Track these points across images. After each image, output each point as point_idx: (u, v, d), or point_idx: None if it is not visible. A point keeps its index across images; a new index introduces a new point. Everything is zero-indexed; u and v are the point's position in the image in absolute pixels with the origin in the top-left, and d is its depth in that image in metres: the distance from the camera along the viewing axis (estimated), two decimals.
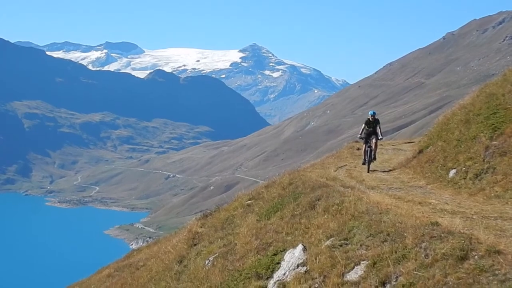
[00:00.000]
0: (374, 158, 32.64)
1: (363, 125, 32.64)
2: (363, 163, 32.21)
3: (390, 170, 32.84)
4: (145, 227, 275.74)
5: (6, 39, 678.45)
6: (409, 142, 44.69)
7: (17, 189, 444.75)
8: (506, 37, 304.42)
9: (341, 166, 35.39)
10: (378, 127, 31.36)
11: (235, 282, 21.55)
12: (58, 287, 56.34)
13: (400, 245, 16.91)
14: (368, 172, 30.51)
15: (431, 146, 33.00)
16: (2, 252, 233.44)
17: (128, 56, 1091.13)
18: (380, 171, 32.60)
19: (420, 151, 33.98)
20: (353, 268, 17.42)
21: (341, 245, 19.11)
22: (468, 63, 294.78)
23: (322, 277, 18.11)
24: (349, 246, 18.80)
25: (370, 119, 31.90)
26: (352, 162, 37.27)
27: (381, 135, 32.72)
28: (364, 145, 31.91)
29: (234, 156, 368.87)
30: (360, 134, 32.47)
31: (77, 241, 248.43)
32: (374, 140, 31.26)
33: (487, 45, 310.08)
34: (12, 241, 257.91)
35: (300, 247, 20.61)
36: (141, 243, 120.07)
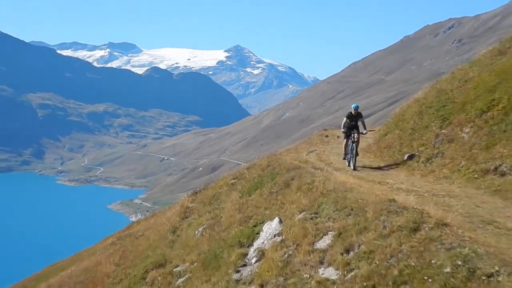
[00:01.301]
0: (357, 154, 27.76)
1: (345, 118, 28.48)
2: (344, 158, 28.29)
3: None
4: (143, 202, 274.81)
5: (22, 39, 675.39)
6: (370, 131, 44.65)
7: (32, 170, 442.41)
8: (454, 40, 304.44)
9: (312, 151, 35.37)
10: (360, 121, 27.74)
11: (220, 249, 21.64)
12: (67, 254, 55.98)
13: (362, 218, 17.04)
14: (353, 169, 26.39)
15: (389, 134, 33.07)
16: (17, 223, 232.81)
17: (128, 55, 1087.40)
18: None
19: (380, 138, 34.10)
20: (322, 238, 17.54)
21: (311, 218, 19.23)
22: (422, 62, 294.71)
23: (295, 245, 18.23)
24: (319, 219, 18.94)
25: (353, 112, 27.87)
26: (321, 147, 37.23)
27: (365, 129, 28.73)
28: (345, 140, 27.77)
29: (220, 142, 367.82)
30: (343, 128, 27.99)
31: (84, 214, 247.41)
32: (356, 135, 27.07)
33: (438, 47, 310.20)
34: (26, 214, 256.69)
35: (276, 219, 20.75)
36: (140, 216, 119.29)
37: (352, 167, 26.64)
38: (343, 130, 27.96)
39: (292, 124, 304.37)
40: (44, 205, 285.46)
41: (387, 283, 13.62)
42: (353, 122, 27.59)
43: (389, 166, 27.50)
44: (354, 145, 26.36)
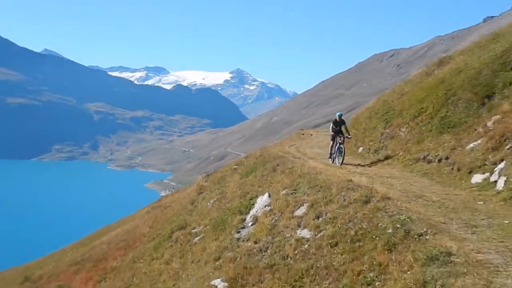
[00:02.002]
0: (343, 154, 25.01)
1: (331, 124, 26.04)
2: (329, 157, 25.64)
3: (322, 148, 32.86)
4: (170, 182, 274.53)
5: (82, 64, 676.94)
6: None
7: (89, 158, 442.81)
8: (394, 65, 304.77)
9: (292, 145, 35.34)
10: (344, 127, 25.42)
11: (226, 216, 21.63)
12: (114, 219, 55.98)
13: (328, 193, 17.01)
14: (340, 165, 23.70)
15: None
16: (78, 196, 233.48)
17: (159, 75, 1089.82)
18: (316, 148, 32.58)
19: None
20: (299, 207, 17.52)
21: (291, 193, 19.21)
22: (371, 81, 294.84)
23: (280, 213, 18.20)
24: (297, 194, 18.91)
25: (337, 119, 25.54)
26: (299, 142, 37.17)
27: (349, 134, 26.06)
28: (331, 142, 25.34)
29: (226, 138, 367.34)
30: (332, 132, 25.43)
31: (127, 190, 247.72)
32: (341, 138, 24.65)
33: (382, 70, 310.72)
34: (85, 190, 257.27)
35: (266, 194, 20.72)
36: (168, 192, 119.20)
37: (338, 164, 23.99)
38: (332, 133, 25.28)
39: (278, 125, 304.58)
40: (98, 184, 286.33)
41: (346, 241, 13.59)
42: (338, 127, 25.29)
43: (347, 156, 27.50)
44: (341, 146, 24.27)
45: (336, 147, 24.68)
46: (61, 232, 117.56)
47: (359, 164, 23.73)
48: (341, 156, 24.02)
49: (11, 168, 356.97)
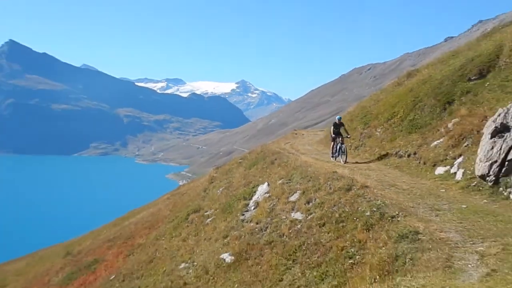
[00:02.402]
0: (345, 152, 23.28)
1: (332, 127, 24.27)
2: (332, 156, 23.74)
3: (312, 145, 32.80)
4: (186, 173, 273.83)
5: (113, 76, 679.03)
6: (321, 131, 44.49)
7: (120, 154, 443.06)
8: (371, 77, 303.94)
9: (287, 143, 35.24)
10: (343, 128, 23.79)
11: (232, 201, 21.59)
12: (140, 204, 55.92)
13: (317, 182, 16.98)
14: (344, 163, 21.78)
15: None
16: (110, 184, 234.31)
17: (177, 85, 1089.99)
18: (307, 145, 32.53)
19: (328, 135, 34.00)
20: (293, 194, 17.49)
21: (287, 183, 19.17)
22: (352, 90, 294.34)
23: (277, 199, 18.16)
24: (291, 183, 18.87)
25: (337, 122, 24.03)
26: (293, 141, 37.01)
27: (348, 134, 24.45)
28: (332, 142, 23.75)
29: (232, 138, 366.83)
30: (332, 134, 23.60)
31: (151, 180, 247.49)
32: (341, 139, 22.97)
33: (361, 81, 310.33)
34: (116, 179, 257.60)
35: (266, 183, 20.68)
36: (185, 182, 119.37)
37: (342, 162, 22.10)
38: (332, 135, 23.38)
39: (275, 127, 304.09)
40: (127, 175, 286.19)
41: (331, 222, 13.57)
42: (338, 129, 23.62)
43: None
44: (342, 146, 22.61)
45: (338, 147, 23.05)
46: (97, 214, 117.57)
47: (356, 162, 23.67)
48: (344, 154, 22.51)
49: (57, 162, 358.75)
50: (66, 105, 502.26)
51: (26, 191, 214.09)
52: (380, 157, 21.73)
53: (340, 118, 24.87)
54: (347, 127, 25.39)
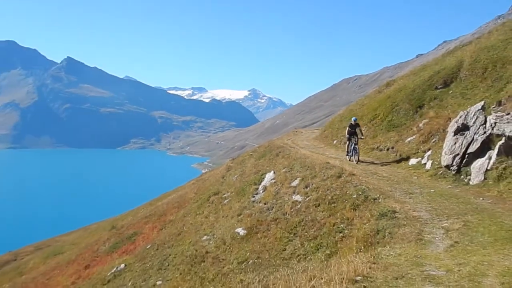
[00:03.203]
0: (357, 151, 20.45)
1: (347, 127, 21.46)
2: (347, 155, 20.81)
3: (309, 141, 32.74)
4: (208, 163, 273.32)
5: (149, 84, 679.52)
6: (316, 129, 44.37)
7: (154, 148, 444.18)
8: (357, 86, 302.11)
9: (289, 139, 35.18)
10: (358, 129, 21.06)
11: (245, 186, 21.56)
12: (170, 188, 56.08)
13: (313, 171, 16.93)
14: (357, 162, 19.24)
15: (326, 131, 32.81)
16: (145, 172, 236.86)
17: (201, 93, 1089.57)
18: (305, 141, 32.47)
19: (322, 133, 33.89)
20: (294, 180, 17.42)
21: (289, 171, 19.11)
22: (342, 96, 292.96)
23: (281, 184, 18.12)
24: (292, 171, 18.81)
25: (353, 123, 21.24)
26: (294, 137, 36.85)
27: (362, 135, 21.68)
28: (347, 142, 21.08)
29: (245, 135, 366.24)
30: (347, 134, 20.98)
31: (179, 169, 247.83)
32: (355, 139, 20.36)
33: (349, 89, 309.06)
34: (152, 168, 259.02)
35: (272, 171, 20.62)
36: (207, 170, 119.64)
37: (355, 162, 19.21)
38: (347, 136, 20.45)
39: (279, 126, 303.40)
40: (160, 165, 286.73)
41: (325, 203, 13.53)
42: (353, 130, 20.71)
43: (326, 146, 27.33)
44: (356, 146, 19.75)
45: (352, 147, 20.10)
46: (136, 196, 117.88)
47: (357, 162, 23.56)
48: (357, 154, 19.63)
49: (104, 154, 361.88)
50: (112, 108, 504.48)
51: (80, 176, 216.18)
52: (365, 151, 21.69)
53: (356, 119, 21.27)
54: (337, 126, 25.33)
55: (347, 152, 20.35)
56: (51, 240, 55.61)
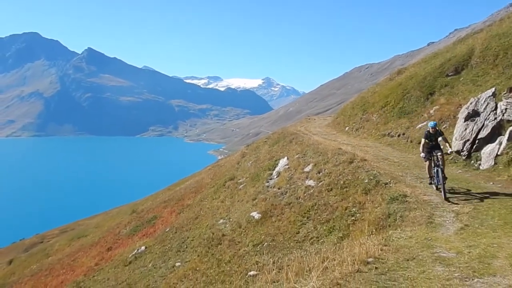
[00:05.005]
0: (444, 178, 11.27)
1: (423, 139, 12.42)
2: (430, 183, 11.94)
3: (322, 128, 32.61)
4: (224, 150, 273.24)
5: (166, 74, 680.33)
6: (329, 116, 44.18)
7: (172, 135, 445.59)
8: (368, 74, 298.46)
9: (302, 126, 35.09)
10: (442, 139, 12.25)
11: (259, 171, 21.59)
12: (188, 174, 56.37)
13: (325, 157, 16.86)
14: (444, 198, 10.47)
15: (338, 118, 32.66)
16: (164, 159, 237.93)
17: (216, 82, 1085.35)
18: (318, 128, 32.35)
19: (334, 120, 33.73)
20: (307, 166, 17.39)
21: (302, 157, 19.07)
22: (353, 84, 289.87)
23: (294, 170, 18.09)
24: (305, 157, 18.77)
25: (431, 131, 12.43)
26: (307, 124, 36.76)
27: (450, 147, 12.48)
28: (427, 162, 12.28)
29: (260, 122, 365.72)
30: (422, 151, 12.30)
31: (196, 155, 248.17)
32: (440, 156, 11.70)
33: (361, 77, 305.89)
34: (170, 153, 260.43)
35: (285, 157, 20.59)
36: (222, 157, 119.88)
37: (443, 196, 10.69)
38: (422, 154, 12.25)
39: (293, 114, 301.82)
40: (178, 151, 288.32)
41: (337, 187, 13.50)
42: (433, 142, 12.39)
43: (338, 133, 27.23)
44: (442, 168, 11.47)
45: (437, 171, 11.44)
46: (155, 181, 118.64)
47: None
48: (441, 182, 10.98)
49: (124, 141, 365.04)
50: (131, 97, 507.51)
51: (101, 163, 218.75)
52: (376, 137, 21.55)
53: (436, 124, 12.21)
54: (349, 113, 25.09)
55: (430, 177, 11.82)
56: (75, 223, 56.46)
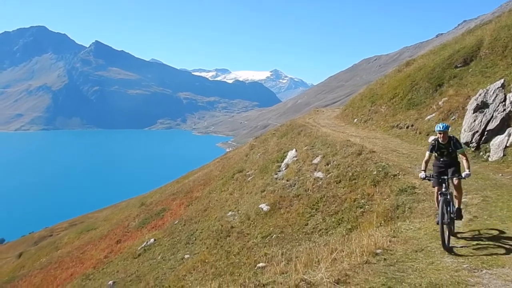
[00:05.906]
0: (460, 216, 7.02)
1: (427, 153, 7.24)
2: (437, 223, 6.47)
3: (330, 119, 32.55)
4: (232, 142, 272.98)
5: (174, 67, 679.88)
6: (337, 108, 44.03)
7: (180, 128, 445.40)
8: (377, 66, 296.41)
9: (310, 118, 35.03)
10: (460, 153, 7.10)
11: (268, 164, 21.65)
12: (197, 166, 56.33)
13: (334, 149, 16.89)
14: (447, 244, 6.22)
15: (346, 110, 32.55)
16: (172, 149, 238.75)
17: (224, 74, 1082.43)
18: (326, 120, 32.28)
19: (343, 112, 33.64)
20: (315, 158, 17.43)
21: (310, 149, 19.10)
22: (362, 76, 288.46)
23: (303, 161, 18.14)
24: (314, 149, 18.80)
25: (440, 139, 7.10)
26: (315, 116, 36.66)
27: (468, 169, 6.78)
28: (436, 187, 7.08)
29: (268, 114, 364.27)
30: (424, 171, 7.18)
31: (205, 148, 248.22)
32: (455, 181, 6.94)
33: (369, 69, 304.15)
34: (178, 145, 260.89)
35: (294, 149, 20.61)
36: (231, 149, 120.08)
37: (447, 244, 6.22)
38: (421, 175, 7.32)
39: (301, 106, 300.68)
40: (186, 144, 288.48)
41: (346, 179, 13.55)
42: (444, 157, 7.21)
43: (346, 125, 27.17)
44: (445, 199, 6.66)
45: (442, 202, 6.60)
46: (163, 174, 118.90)
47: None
48: (452, 221, 6.86)
49: (132, 134, 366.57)
50: (139, 90, 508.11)
51: (110, 156, 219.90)
52: (385, 129, 21.51)
53: (447, 127, 7.32)
54: (358, 105, 24.61)
55: (438, 209, 6.86)
56: (84, 216, 56.93)
